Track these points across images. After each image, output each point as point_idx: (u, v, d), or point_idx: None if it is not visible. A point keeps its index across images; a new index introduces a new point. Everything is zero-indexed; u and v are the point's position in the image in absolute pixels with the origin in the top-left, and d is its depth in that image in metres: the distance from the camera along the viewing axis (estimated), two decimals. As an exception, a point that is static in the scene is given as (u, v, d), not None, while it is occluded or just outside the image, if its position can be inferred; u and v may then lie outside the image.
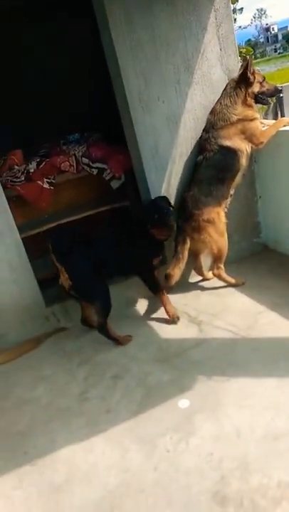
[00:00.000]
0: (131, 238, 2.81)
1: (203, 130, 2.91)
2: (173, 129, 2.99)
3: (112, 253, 2.75)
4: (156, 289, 2.88)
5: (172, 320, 2.81)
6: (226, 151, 2.78)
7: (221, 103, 2.84)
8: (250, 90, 2.80)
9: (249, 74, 2.78)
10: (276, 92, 2.93)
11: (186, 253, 2.87)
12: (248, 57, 2.91)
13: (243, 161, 2.84)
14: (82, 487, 1.82)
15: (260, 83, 2.85)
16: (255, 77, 2.81)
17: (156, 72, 2.83)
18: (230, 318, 2.71)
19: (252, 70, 2.80)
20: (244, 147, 2.81)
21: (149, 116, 2.88)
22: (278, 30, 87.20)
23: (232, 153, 2.78)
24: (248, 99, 2.81)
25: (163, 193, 3.04)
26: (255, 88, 2.83)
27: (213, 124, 2.84)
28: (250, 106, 2.82)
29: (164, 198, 2.93)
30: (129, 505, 1.70)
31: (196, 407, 2.09)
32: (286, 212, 3.14)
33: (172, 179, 3.06)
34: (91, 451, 1.99)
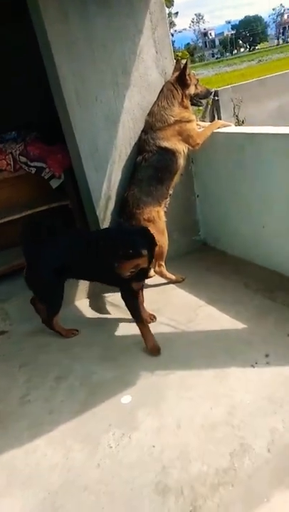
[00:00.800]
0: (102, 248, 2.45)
1: (142, 131, 2.96)
2: (112, 129, 3.01)
3: (79, 260, 2.58)
4: (135, 316, 2.48)
5: (151, 352, 2.45)
6: (164, 152, 2.85)
7: (158, 105, 2.91)
8: (186, 92, 2.90)
9: (186, 76, 2.87)
10: (208, 94, 3.06)
11: None
12: (183, 60, 2.98)
13: (181, 162, 2.93)
14: (24, 490, 1.79)
15: (195, 85, 2.95)
16: (191, 80, 2.90)
17: (93, 72, 2.83)
18: (172, 313, 2.78)
19: (189, 73, 2.89)
20: (181, 148, 2.89)
21: (88, 115, 2.88)
22: (215, 35, 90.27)
23: (170, 154, 2.86)
24: (185, 100, 2.89)
25: (104, 192, 3.06)
26: (191, 90, 2.94)
27: (152, 125, 2.89)
28: (186, 107, 2.91)
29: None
30: (72, 504, 1.70)
31: (139, 402, 2.13)
32: (222, 210, 3.28)
33: (113, 179, 3.08)
34: (33, 453, 1.96)
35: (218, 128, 3.08)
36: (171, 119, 2.86)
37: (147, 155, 2.87)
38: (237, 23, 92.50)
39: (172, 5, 3.84)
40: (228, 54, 77.13)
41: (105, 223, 3.16)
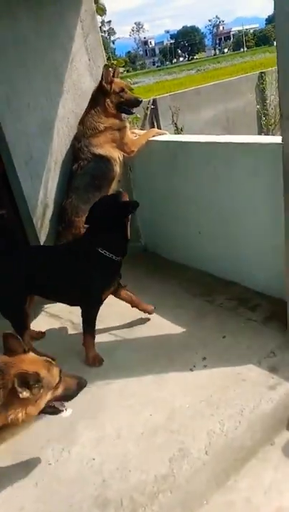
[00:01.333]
0: (76, 256, 2.35)
1: (74, 139, 2.94)
2: (46, 136, 2.96)
3: (47, 271, 2.39)
4: (88, 327, 2.41)
5: (92, 364, 2.40)
6: (100, 159, 2.84)
7: (87, 113, 2.90)
8: (108, 100, 2.86)
9: (105, 84, 2.83)
10: (137, 102, 3.00)
11: None
12: (105, 70, 2.90)
13: (117, 169, 2.94)
14: None
15: (118, 93, 2.89)
16: (112, 87, 2.86)
17: (25, 78, 2.78)
18: (112, 321, 2.76)
19: (109, 80, 2.84)
20: (116, 155, 2.90)
21: (20, 122, 2.81)
22: (155, 44, 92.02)
23: (106, 161, 2.86)
24: (109, 108, 2.86)
25: (40, 199, 3.00)
26: (113, 98, 2.88)
27: (83, 132, 2.87)
28: (113, 115, 2.89)
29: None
30: (8, 528, 1.63)
31: (79, 415, 2.07)
32: (160, 217, 3.32)
33: (49, 186, 3.03)
34: None
35: (154, 136, 3.13)
36: (101, 126, 2.86)
37: (83, 162, 2.85)
38: (175, 32, 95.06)
39: (105, 13, 3.84)
40: (167, 63, 78.95)
41: (43, 231, 3.09)
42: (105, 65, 3.01)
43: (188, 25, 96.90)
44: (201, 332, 2.51)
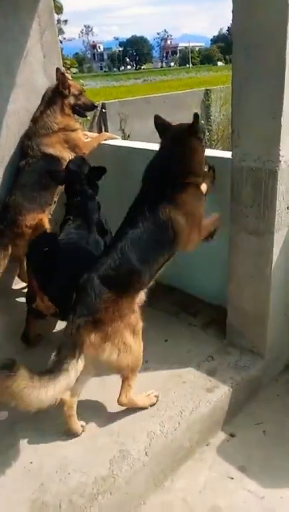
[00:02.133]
0: None
1: (25, 136, 2.88)
2: (-6, 130, 2.87)
3: None
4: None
5: None
6: (50, 159, 2.81)
7: (41, 111, 2.86)
8: (66, 101, 2.87)
9: (65, 86, 2.85)
10: (93, 107, 3.09)
11: (6, 260, 2.77)
12: (63, 68, 2.95)
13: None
14: None
15: (76, 96, 2.92)
16: (70, 90, 2.88)
17: (-26, 69, 2.68)
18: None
19: (68, 83, 2.88)
20: (67, 156, 2.87)
21: None
22: (104, 49, 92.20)
23: (55, 160, 2.82)
24: (66, 109, 2.87)
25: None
26: (71, 100, 2.91)
27: (35, 131, 2.83)
28: (68, 116, 2.90)
29: None
30: None
31: (17, 417, 2.02)
32: (108, 219, 3.33)
33: (-4, 182, 2.93)
34: None
35: (105, 140, 3.15)
36: (55, 126, 2.84)
37: (31, 160, 2.79)
38: (124, 40, 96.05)
39: (62, 12, 3.80)
40: (115, 69, 79.42)
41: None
42: (62, 67, 3.00)
43: (138, 35, 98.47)
44: (143, 335, 2.55)
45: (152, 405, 2.01)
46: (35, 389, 1.60)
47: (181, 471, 1.89)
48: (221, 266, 2.35)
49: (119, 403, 1.94)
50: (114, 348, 1.81)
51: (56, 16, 3.25)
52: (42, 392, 1.61)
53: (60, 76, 2.85)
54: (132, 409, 2.00)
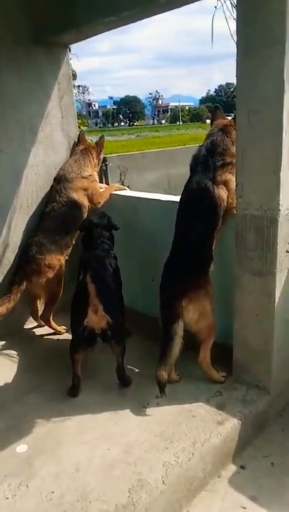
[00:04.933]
0: None
1: (54, 180, 3.22)
2: (14, 180, 3.13)
3: None
4: None
5: None
6: (73, 204, 3.11)
7: (75, 161, 3.25)
8: (97, 160, 3.35)
9: (100, 147, 3.40)
10: (104, 161, 3.60)
11: (18, 295, 2.94)
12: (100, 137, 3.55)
13: (85, 215, 3.17)
14: None
15: (100, 153, 3.40)
16: (102, 150, 3.39)
17: (2, 126, 2.98)
18: (65, 361, 2.82)
19: (101, 144, 3.42)
20: (86, 203, 3.16)
21: (-8, 166, 2.97)
22: (99, 107, 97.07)
23: (77, 206, 3.12)
24: (96, 165, 3.34)
25: (2, 239, 3.10)
26: (100, 156, 3.40)
27: (65, 175, 3.18)
28: (95, 168, 3.29)
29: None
30: None
31: (35, 450, 2.11)
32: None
33: (13, 226, 3.15)
34: None
35: (115, 190, 3.43)
36: (85, 173, 3.21)
37: (57, 206, 3.09)
38: (118, 99, 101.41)
39: (75, 79, 4.26)
40: (109, 125, 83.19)
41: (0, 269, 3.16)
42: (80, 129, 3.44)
43: (131, 95, 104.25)
44: (149, 372, 2.66)
45: (220, 383, 2.47)
46: None
47: (196, 502, 1.96)
48: (224, 306, 2.52)
49: (199, 361, 2.47)
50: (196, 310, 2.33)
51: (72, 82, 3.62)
52: None
53: (100, 140, 3.44)
54: (147, 440, 2.10)
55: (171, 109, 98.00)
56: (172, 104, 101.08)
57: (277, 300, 2.24)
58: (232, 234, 2.36)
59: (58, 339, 3.18)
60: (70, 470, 1.98)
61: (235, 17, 2.12)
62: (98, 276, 2.36)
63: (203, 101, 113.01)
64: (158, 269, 3.15)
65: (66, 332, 3.19)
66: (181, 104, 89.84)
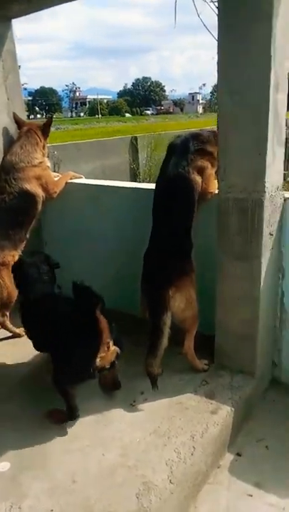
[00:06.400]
0: None
1: (2, 169, 2.84)
2: None
3: None
4: None
5: None
6: (26, 195, 2.80)
7: (21, 146, 2.90)
8: (44, 142, 3.01)
9: (47, 128, 3.05)
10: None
11: None
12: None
13: (39, 207, 2.91)
14: None
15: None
16: (48, 131, 3.06)
17: None
18: (26, 366, 2.59)
19: (48, 124, 3.07)
20: (40, 193, 2.89)
21: None
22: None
23: (31, 197, 2.82)
24: (44, 149, 2.99)
25: None
26: (47, 142, 3.07)
27: (14, 164, 2.83)
28: (44, 156, 2.96)
29: None
30: None
31: (20, 467, 1.88)
32: (69, 258, 3.31)
33: None
34: None
35: (71, 179, 3.21)
36: (35, 161, 2.89)
37: (8, 197, 2.76)
38: (33, 91, 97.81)
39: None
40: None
41: None
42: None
43: (46, 87, 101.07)
44: (132, 368, 2.53)
45: (204, 371, 2.42)
46: None
47: (202, 497, 1.89)
48: (200, 295, 2.45)
49: (184, 352, 2.40)
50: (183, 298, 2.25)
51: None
52: None
53: (49, 119, 3.09)
54: (143, 440, 1.98)
55: (89, 101, 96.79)
56: (90, 96, 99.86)
57: (262, 283, 2.23)
58: (208, 220, 2.31)
59: (23, 342, 2.90)
60: (66, 483, 1.79)
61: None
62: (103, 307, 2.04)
63: (121, 94, 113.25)
64: (128, 261, 3.02)
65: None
66: (99, 97, 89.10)
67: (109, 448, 1.96)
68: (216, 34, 2.00)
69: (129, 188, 2.98)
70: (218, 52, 2.03)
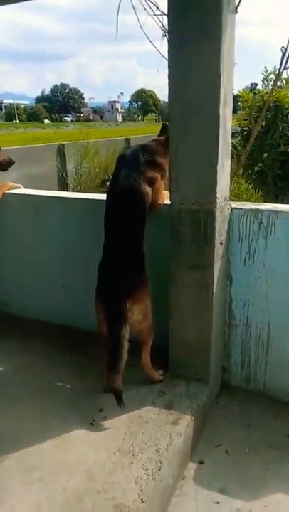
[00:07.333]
0: None
1: None
2: None
3: None
4: None
5: None
6: None
7: None
8: None
9: None
10: (10, 163, 3.07)
11: None
12: None
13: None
14: None
15: None
16: None
17: None
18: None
19: None
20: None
21: None
22: None
23: None
24: None
25: None
26: None
27: None
28: None
29: None
30: None
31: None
32: (12, 272, 3.15)
33: None
34: None
35: (8, 190, 3.04)
36: None
37: None
38: None
39: None
40: None
41: None
42: None
43: None
44: (84, 385, 2.46)
45: (160, 382, 2.41)
46: None
47: (171, 511, 1.87)
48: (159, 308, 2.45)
49: (141, 364, 2.37)
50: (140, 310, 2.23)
51: None
52: None
53: None
54: (108, 460, 1.91)
55: (5, 106, 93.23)
56: (6, 101, 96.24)
57: (214, 290, 2.28)
58: (159, 230, 2.33)
59: None
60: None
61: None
62: None
63: (38, 100, 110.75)
64: (74, 272, 2.93)
65: None
66: (16, 102, 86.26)
67: (74, 473, 1.86)
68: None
69: (73, 198, 2.90)
70: (168, 66, 2.06)
